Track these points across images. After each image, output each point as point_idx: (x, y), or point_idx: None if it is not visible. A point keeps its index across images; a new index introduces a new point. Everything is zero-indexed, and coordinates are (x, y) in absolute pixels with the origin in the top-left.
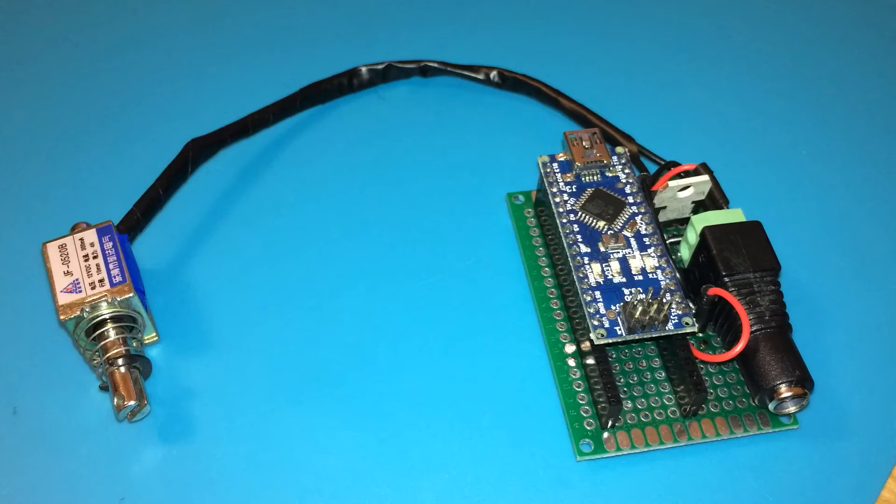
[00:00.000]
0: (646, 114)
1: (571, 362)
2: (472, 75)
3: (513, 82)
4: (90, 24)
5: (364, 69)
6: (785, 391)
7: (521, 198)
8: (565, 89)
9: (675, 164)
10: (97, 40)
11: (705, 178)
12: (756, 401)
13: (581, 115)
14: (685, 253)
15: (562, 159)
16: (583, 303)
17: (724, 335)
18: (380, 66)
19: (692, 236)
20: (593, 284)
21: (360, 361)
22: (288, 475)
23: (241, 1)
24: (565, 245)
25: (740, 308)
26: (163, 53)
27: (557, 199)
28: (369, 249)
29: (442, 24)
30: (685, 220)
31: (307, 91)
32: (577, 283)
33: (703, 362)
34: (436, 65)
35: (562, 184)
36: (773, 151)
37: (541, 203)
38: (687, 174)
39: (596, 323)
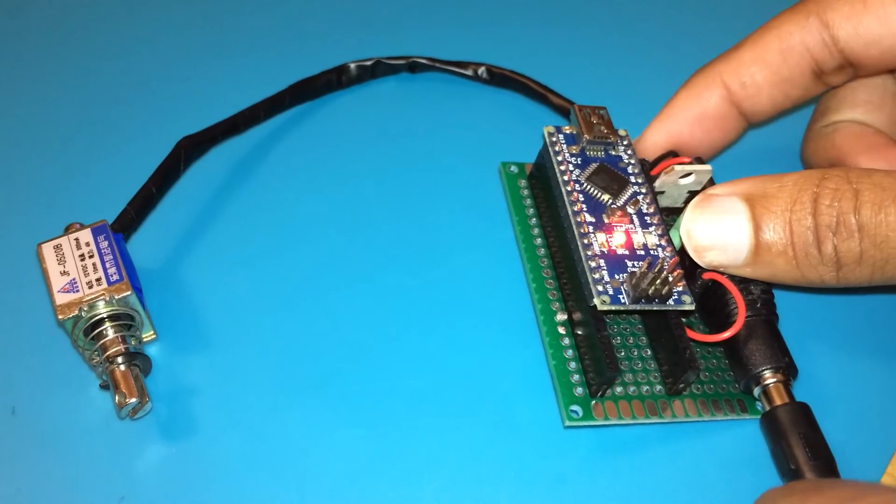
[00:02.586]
0: (635, 109)
1: (562, 330)
2: (461, 71)
3: (501, 78)
4: (81, 26)
5: (352, 65)
6: (770, 377)
7: (515, 168)
8: (553, 85)
9: (675, 154)
10: (88, 41)
11: (707, 167)
12: (741, 386)
13: (570, 111)
14: (677, 239)
15: (567, 132)
16: (587, 269)
17: (713, 321)
18: (368, 63)
19: None
20: (598, 253)
21: (356, 352)
22: (288, 471)
23: (231, 2)
24: (570, 213)
25: (736, 292)
26: (154, 54)
27: (563, 168)
28: (363, 243)
29: (430, 21)
30: (677, 211)
31: (296, 88)
32: (581, 250)
33: (694, 347)
34: (424, 61)
35: (567, 154)
36: (764, 144)
37: (534, 177)
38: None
39: (600, 289)
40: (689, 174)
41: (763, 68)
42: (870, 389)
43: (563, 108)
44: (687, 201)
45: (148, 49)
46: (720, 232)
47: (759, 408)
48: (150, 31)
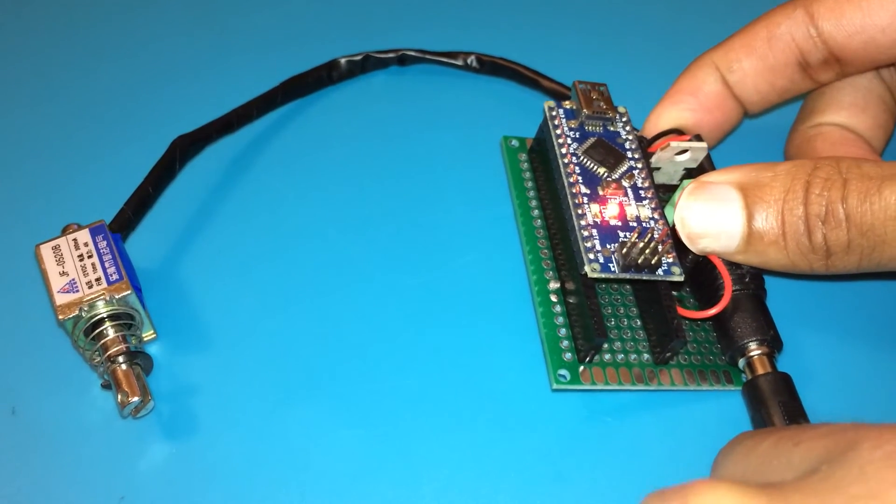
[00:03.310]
0: (628, 94)
1: (554, 298)
2: (451, 61)
3: (491, 66)
4: (77, 27)
5: (342, 61)
6: (755, 349)
7: (516, 142)
8: (544, 72)
9: (677, 132)
10: (83, 43)
11: (703, 144)
12: (727, 358)
13: (563, 95)
14: (671, 215)
15: (567, 107)
16: (580, 238)
17: (701, 295)
18: (357, 57)
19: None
20: (590, 223)
21: (356, 346)
22: (289, 470)
23: (225, 4)
24: (566, 184)
25: (723, 268)
26: (148, 55)
27: (561, 141)
28: (361, 237)
29: (418, 13)
30: (672, 188)
31: (288, 85)
32: (574, 219)
33: (682, 318)
34: (413, 53)
35: (566, 128)
36: (759, 124)
37: (534, 151)
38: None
39: (591, 257)
40: (684, 151)
41: (749, 55)
42: (855, 367)
43: (556, 93)
44: (682, 178)
45: (142, 50)
46: (713, 220)
47: (743, 379)
48: (144, 32)
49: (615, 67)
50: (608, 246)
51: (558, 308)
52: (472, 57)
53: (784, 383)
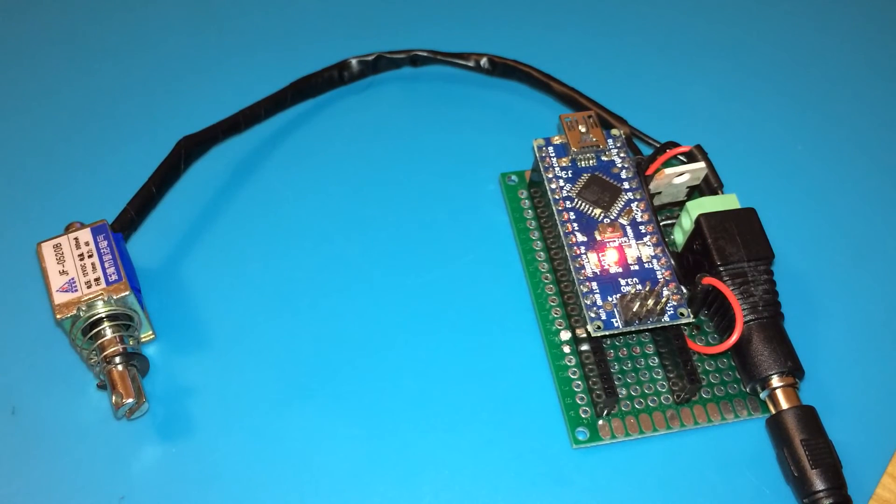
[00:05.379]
0: (637, 98)
1: (567, 349)
2: (463, 63)
3: (503, 68)
4: (83, 25)
5: (354, 61)
6: (776, 381)
7: (515, 178)
8: (556, 75)
9: (674, 145)
10: (89, 41)
11: (701, 164)
12: (748, 389)
13: (573, 99)
14: (679, 237)
15: (557, 142)
16: (580, 294)
17: (718, 321)
18: (369, 58)
19: (687, 222)
20: (590, 275)
21: (357, 354)
22: (287, 471)
23: (235, 2)
24: (562, 234)
25: (734, 300)
26: (155, 54)
27: (553, 186)
28: (364, 244)
29: (430, 14)
30: (680, 203)
31: (298, 85)
32: (573, 273)
33: (696, 354)
34: (426, 54)
35: (557, 168)
36: (766, 136)
37: (534, 184)
38: (682, 156)
39: (593, 315)
40: (682, 174)
41: None
42: (873, 388)
43: (566, 97)
44: (688, 195)
45: (148, 48)
46: None
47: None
48: (150, 30)
49: (627, 71)
50: (609, 298)
51: (572, 360)
52: (485, 59)
53: (808, 419)
